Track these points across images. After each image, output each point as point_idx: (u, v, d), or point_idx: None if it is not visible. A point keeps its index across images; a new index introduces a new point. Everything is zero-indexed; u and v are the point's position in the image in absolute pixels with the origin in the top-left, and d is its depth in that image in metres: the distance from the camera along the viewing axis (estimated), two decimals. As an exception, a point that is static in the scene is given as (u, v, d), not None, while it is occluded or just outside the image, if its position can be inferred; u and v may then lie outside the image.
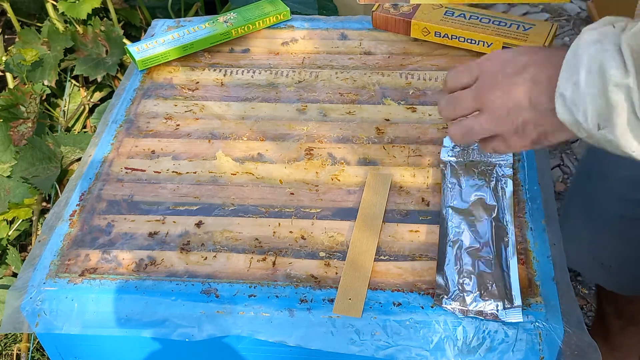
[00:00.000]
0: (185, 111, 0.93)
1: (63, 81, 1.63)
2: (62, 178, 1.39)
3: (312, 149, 0.86)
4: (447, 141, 0.83)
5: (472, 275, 0.68)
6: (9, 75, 1.58)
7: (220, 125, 0.91)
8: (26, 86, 1.45)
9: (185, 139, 0.89)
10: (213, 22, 1.05)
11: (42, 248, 0.77)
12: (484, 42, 0.97)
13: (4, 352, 1.38)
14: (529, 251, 0.72)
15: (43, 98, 1.52)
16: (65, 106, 1.60)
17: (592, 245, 1.00)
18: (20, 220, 1.40)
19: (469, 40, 0.98)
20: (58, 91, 1.61)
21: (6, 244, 1.38)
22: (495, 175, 0.78)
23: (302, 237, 0.75)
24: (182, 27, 1.07)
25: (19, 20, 1.68)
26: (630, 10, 0.82)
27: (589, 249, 1.00)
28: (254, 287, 0.70)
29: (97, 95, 1.64)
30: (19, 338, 1.36)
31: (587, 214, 0.99)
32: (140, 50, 1.00)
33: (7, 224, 1.40)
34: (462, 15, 1.00)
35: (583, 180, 1.00)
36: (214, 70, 1.00)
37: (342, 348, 0.67)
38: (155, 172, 0.85)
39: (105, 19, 1.65)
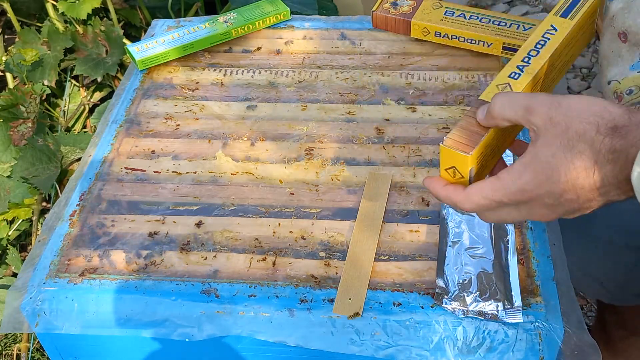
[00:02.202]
0: (185, 111, 0.93)
1: (63, 81, 1.63)
2: (62, 178, 1.39)
3: (312, 149, 0.86)
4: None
5: (472, 276, 0.68)
6: (9, 75, 1.58)
7: (220, 125, 0.91)
8: (26, 86, 1.45)
9: (185, 139, 0.89)
10: (213, 22, 1.05)
11: (42, 248, 0.77)
12: (484, 42, 0.97)
13: (4, 352, 1.38)
14: (529, 251, 0.72)
15: (43, 98, 1.51)
16: (65, 106, 1.60)
17: (585, 264, 1.00)
18: (20, 220, 1.40)
19: (469, 40, 0.98)
20: (58, 91, 1.61)
21: (6, 244, 1.38)
22: (495, 175, 0.78)
23: (302, 237, 0.75)
24: (182, 27, 1.07)
25: (19, 20, 1.68)
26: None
27: (582, 268, 1.00)
28: (254, 287, 0.70)
29: (97, 95, 1.64)
30: (19, 338, 1.36)
31: (577, 235, 0.99)
32: (140, 50, 1.00)
33: (7, 224, 1.40)
34: (462, 15, 1.00)
35: None
36: (214, 70, 1.00)
37: (342, 348, 0.67)
38: (155, 172, 0.85)
39: (105, 19, 1.64)
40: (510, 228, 0.73)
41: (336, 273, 0.71)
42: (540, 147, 0.53)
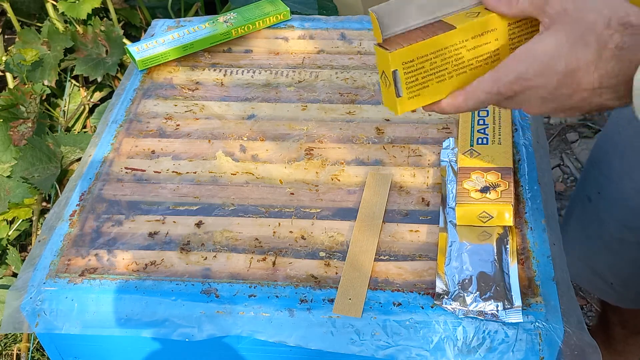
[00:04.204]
0: (185, 111, 0.93)
1: (63, 81, 1.63)
2: (62, 178, 1.40)
3: (312, 149, 0.86)
4: (446, 142, 0.83)
5: (472, 276, 0.68)
6: (9, 75, 1.58)
7: (220, 125, 0.91)
8: (26, 86, 1.45)
9: (185, 139, 0.89)
10: (213, 22, 1.05)
11: (42, 248, 0.77)
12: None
13: (4, 352, 1.38)
14: (529, 251, 0.72)
15: (43, 98, 1.52)
16: (65, 106, 1.60)
17: (593, 263, 0.99)
18: (20, 220, 1.40)
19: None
20: (58, 91, 1.61)
21: (6, 244, 1.38)
22: (495, 175, 0.78)
23: (302, 237, 0.75)
24: (182, 27, 1.07)
25: (19, 20, 1.68)
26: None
27: (590, 267, 1.00)
28: (254, 287, 0.70)
29: (97, 95, 1.64)
30: (19, 338, 1.36)
31: (586, 234, 0.99)
32: (140, 50, 1.00)
33: (7, 224, 1.40)
34: None
35: (583, 202, 1.00)
36: (214, 70, 1.00)
37: (342, 348, 0.67)
38: (155, 172, 0.85)
39: (105, 19, 1.65)
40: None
41: (336, 273, 0.71)
42: (546, 35, 0.52)
